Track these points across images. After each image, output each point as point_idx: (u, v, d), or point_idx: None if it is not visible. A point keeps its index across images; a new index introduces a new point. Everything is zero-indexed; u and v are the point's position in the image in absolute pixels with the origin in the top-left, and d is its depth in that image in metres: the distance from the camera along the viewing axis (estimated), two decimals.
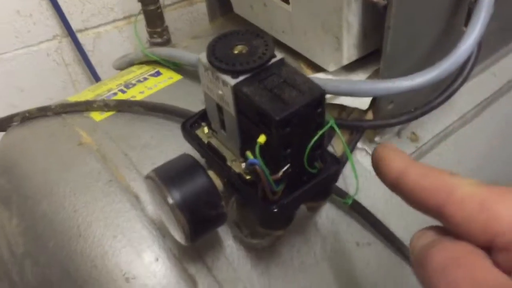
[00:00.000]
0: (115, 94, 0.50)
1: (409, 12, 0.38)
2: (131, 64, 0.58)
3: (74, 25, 0.95)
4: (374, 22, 0.42)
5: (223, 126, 0.32)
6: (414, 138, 0.47)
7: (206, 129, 0.34)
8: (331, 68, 0.46)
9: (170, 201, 0.31)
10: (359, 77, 0.45)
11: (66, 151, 0.44)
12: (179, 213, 0.31)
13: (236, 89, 0.28)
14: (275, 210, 0.30)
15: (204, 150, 0.34)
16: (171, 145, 0.44)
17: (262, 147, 0.28)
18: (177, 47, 0.59)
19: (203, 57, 0.30)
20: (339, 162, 0.31)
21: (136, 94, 0.50)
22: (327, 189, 0.34)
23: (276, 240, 0.40)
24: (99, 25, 0.98)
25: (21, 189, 0.44)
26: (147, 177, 0.33)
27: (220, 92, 0.29)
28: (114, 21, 0.97)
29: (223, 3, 0.60)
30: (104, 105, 0.47)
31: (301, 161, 0.29)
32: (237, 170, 0.32)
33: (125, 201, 0.40)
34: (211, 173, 0.33)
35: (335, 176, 0.32)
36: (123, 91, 0.51)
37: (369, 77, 0.44)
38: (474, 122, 0.51)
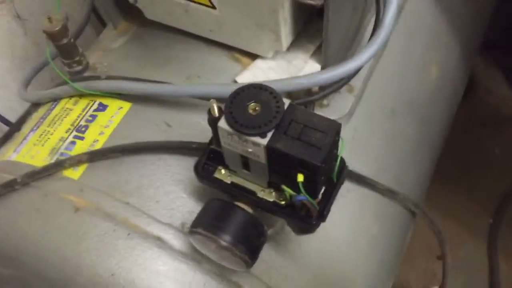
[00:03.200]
0: (73, 143, 0.50)
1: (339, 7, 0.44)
2: (55, 99, 0.56)
3: None
4: (304, 12, 0.47)
5: (246, 167, 0.36)
6: (350, 89, 0.55)
7: (223, 171, 0.38)
8: (270, 54, 0.50)
9: (224, 244, 0.36)
10: (300, 59, 0.50)
11: (67, 222, 0.45)
12: (238, 252, 0.36)
13: (269, 147, 0.32)
14: (316, 222, 0.36)
15: (229, 189, 0.38)
16: (164, 177, 0.47)
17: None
18: (96, 67, 0.58)
19: (223, 124, 0.33)
20: (344, 162, 0.38)
21: (96, 137, 0.50)
22: None
23: None
24: None
25: (41, 273, 0.44)
26: (193, 233, 0.37)
27: (250, 150, 0.33)
28: None
29: (121, 8, 0.59)
30: (78, 162, 0.47)
31: (330, 178, 0.35)
32: (270, 199, 0.37)
33: (153, 247, 0.43)
34: (242, 205, 0.38)
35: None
36: (80, 138, 0.50)
37: (312, 56, 0.50)
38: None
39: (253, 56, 0.53)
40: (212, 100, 0.35)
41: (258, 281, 0.45)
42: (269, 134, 0.32)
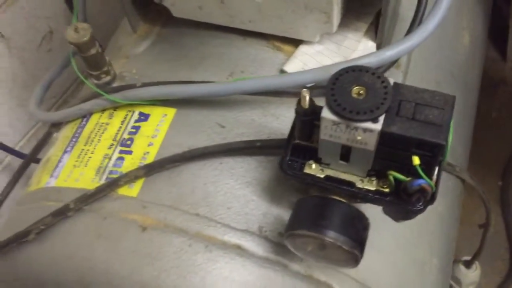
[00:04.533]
0: (121, 159, 0.46)
1: None
2: (83, 115, 0.52)
3: None
4: None
5: (344, 158, 0.34)
6: (397, 65, 0.53)
7: (314, 165, 0.35)
8: (317, 38, 0.48)
9: (332, 241, 0.33)
10: (351, 39, 0.47)
11: (136, 243, 0.41)
12: (347, 248, 0.34)
13: (384, 133, 0.30)
14: (426, 206, 0.33)
15: (323, 183, 0.35)
16: (230, 182, 0.44)
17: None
18: (124, 76, 0.54)
19: (327, 114, 0.30)
20: None
21: (146, 149, 0.46)
22: None
23: None
24: None
25: None
26: (293, 236, 0.35)
27: (358, 138, 0.31)
28: None
29: (139, 9, 0.55)
30: (134, 177, 0.43)
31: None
32: (372, 188, 0.34)
33: (235, 256, 0.41)
34: (339, 198, 0.36)
35: None
36: (127, 152, 0.47)
37: (365, 33, 0.47)
38: None
39: (296, 43, 0.50)
40: (304, 90, 0.32)
41: (347, 277, 0.42)
42: (381, 118, 0.30)
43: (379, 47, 0.46)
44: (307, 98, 0.32)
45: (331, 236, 0.33)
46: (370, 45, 0.46)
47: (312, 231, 0.33)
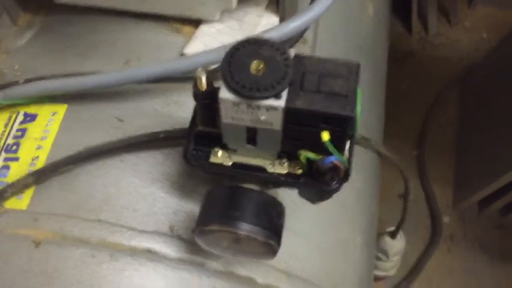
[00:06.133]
0: (6, 168, 0.41)
1: None
2: None
3: None
4: None
5: (251, 142, 0.31)
6: (303, 41, 0.50)
7: (220, 153, 0.32)
8: (217, 17, 0.44)
9: (247, 234, 0.31)
10: (253, 14, 0.44)
11: (28, 262, 0.36)
12: (264, 240, 0.31)
13: (288, 109, 0.27)
14: (341, 183, 0.31)
15: (231, 171, 0.32)
16: (134, 180, 0.39)
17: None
18: (4, 72, 0.47)
19: (226, 94, 0.27)
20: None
21: (34, 153, 0.41)
22: None
23: None
24: None
25: None
26: (204, 233, 0.31)
27: (262, 117, 0.28)
28: None
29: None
30: (23, 187, 0.38)
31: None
32: (283, 171, 0.32)
33: (145, 262, 0.37)
34: (251, 186, 0.33)
35: None
36: (13, 159, 0.41)
37: (267, 7, 0.44)
38: None
39: (195, 24, 0.46)
40: (199, 70, 0.28)
41: (270, 268, 0.40)
42: (284, 94, 0.27)
43: (282, 20, 0.43)
44: (203, 79, 0.29)
45: (244, 228, 0.30)
46: (273, 20, 0.44)
47: (224, 226, 0.30)
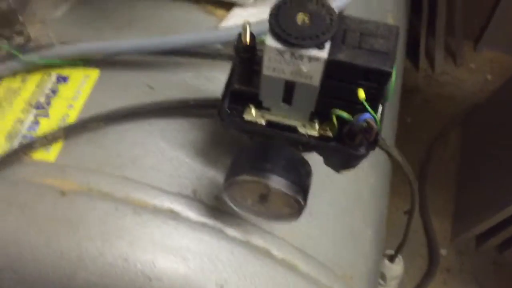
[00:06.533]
0: (36, 123, 0.41)
1: None
2: None
3: None
4: None
5: (287, 100, 0.32)
6: None
7: (253, 110, 0.33)
8: (251, 0, 0.46)
9: (276, 186, 0.31)
10: None
11: (54, 209, 0.36)
12: (292, 194, 0.31)
13: (330, 61, 0.28)
14: (368, 150, 0.32)
15: (264, 130, 0.33)
16: (161, 143, 0.40)
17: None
18: (40, 40, 0.49)
19: (271, 42, 0.28)
20: None
21: (65, 111, 0.42)
22: None
23: None
24: None
25: (31, 276, 0.36)
26: (233, 184, 0.32)
27: (304, 69, 0.29)
28: None
29: None
30: (52, 139, 0.39)
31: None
32: (314, 133, 0.33)
33: (167, 220, 0.37)
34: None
35: None
36: (43, 115, 0.42)
37: None
38: None
39: (228, 7, 0.48)
40: (245, 21, 0.30)
41: (285, 242, 0.40)
42: (327, 45, 0.28)
43: None
44: (248, 31, 0.30)
45: (275, 180, 0.31)
46: None
47: (254, 176, 0.31)
